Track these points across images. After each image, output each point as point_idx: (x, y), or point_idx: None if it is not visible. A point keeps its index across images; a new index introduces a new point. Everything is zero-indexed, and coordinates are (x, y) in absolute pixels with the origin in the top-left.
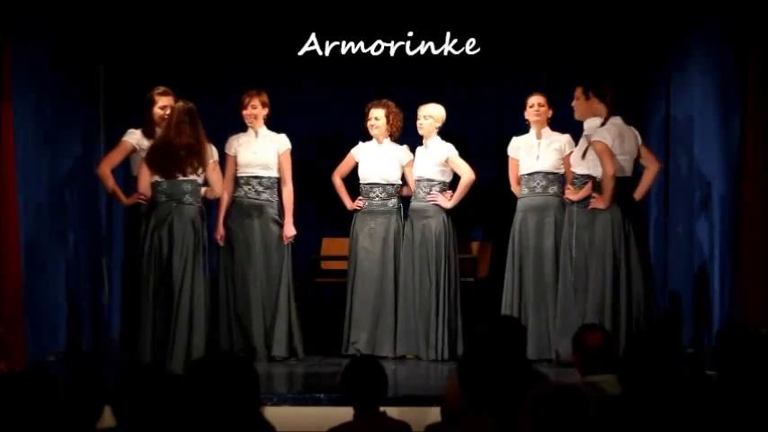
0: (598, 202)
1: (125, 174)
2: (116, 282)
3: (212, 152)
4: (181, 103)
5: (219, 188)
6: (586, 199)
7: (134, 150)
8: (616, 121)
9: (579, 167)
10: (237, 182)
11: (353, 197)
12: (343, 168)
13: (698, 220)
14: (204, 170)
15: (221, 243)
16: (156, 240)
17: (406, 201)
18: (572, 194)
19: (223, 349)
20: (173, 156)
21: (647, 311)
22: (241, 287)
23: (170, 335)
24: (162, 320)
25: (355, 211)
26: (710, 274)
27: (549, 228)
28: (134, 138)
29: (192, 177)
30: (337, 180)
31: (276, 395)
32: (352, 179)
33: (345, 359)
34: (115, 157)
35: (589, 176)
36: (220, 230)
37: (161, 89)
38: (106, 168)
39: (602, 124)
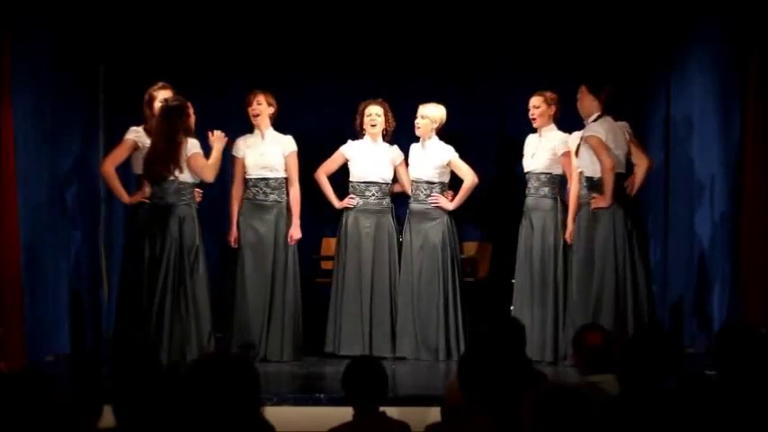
0: (599, 202)
1: (125, 172)
2: (115, 282)
3: (188, 147)
4: (162, 104)
5: (208, 175)
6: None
7: (136, 148)
8: (607, 118)
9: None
10: (247, 183)
11: (338, 195)
12: (331, 166)
13: (698, 220)
14: (181, 170)
15: (234, 245)
16: (146, 241)
17: (396, 199)
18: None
19: (225, 349)
20: (153, 159)
21: (650, 309)
22: (250, 288)
23: (163, 333)
24: (154, 320)
25: (344, 209)
26: (710, 274)
27: (540, 230)
28: (136, 135)
29: (173, 177)
30: (323, 178)
31: (276, 395)
32: (334, 177)
33: (345, 359)
34: (118, 156)
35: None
36: (234, 232)
37: (159, 84)
38: (110, 167)
39: (594, 121)
